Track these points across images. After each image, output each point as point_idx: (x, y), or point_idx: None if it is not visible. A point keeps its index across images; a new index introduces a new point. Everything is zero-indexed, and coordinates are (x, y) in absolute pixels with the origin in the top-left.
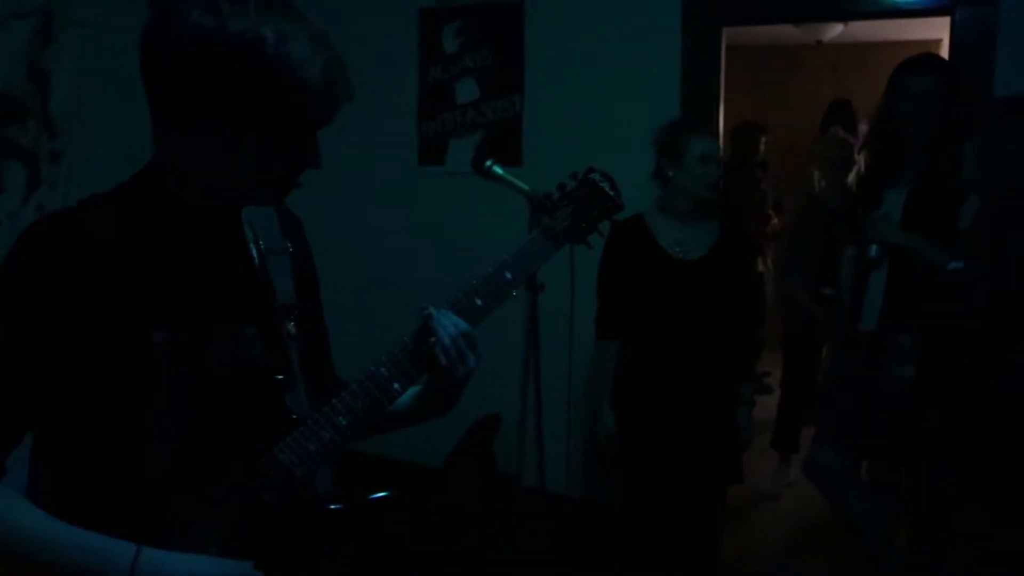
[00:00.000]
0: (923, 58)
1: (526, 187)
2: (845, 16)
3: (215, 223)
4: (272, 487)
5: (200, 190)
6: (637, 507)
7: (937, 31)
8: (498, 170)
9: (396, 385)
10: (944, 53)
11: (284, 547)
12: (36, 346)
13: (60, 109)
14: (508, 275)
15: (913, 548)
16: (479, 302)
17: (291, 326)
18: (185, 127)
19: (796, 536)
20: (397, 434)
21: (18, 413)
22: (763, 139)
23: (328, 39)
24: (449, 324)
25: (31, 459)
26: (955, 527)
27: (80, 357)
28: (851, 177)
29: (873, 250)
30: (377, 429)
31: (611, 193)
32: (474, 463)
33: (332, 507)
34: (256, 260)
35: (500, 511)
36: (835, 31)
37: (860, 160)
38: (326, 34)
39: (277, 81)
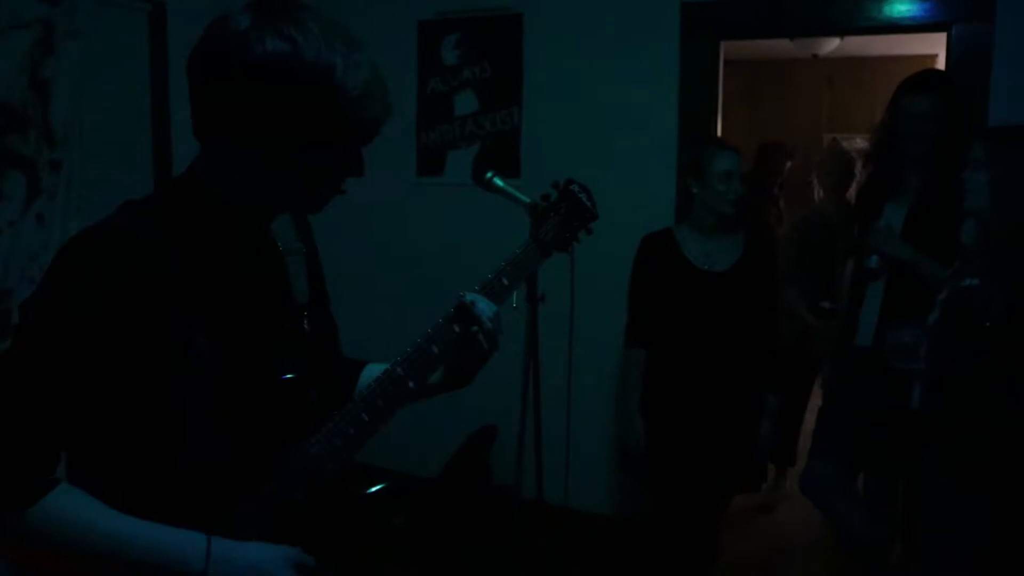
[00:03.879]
0: (924, 76)
1: (526, 199)
2: (842, 31)
3: (252, 230)
4: (304, 481)
5: (247, 203)
6: (661, 515)
7: (933, 46)
8: (499, 182)
9: (412, 384)
10: (940, 68)
11: (319, 537)
12: (91, 355)
13: (60, 119)
14: (505, 281)
15: (907, 562)
16: (457, 329)
17: (305, 324)
18: (244, 145)
19: (790, 549)
20: (394, 445)
21: (70, 418)
22: (789, 163)
23: (372, 61)
24: (487, 308)
25: (68, 464)
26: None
27: (129, 366)
28: (851, 190)
29: (873, 260)
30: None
31: (588, 204)
32: (471, 474)
33: (371, 490)
34: (280, 262)
35: (498, 522)
36: (831, 45)
37: (861, 173)
38: (371, 58)
39: (342, 105)
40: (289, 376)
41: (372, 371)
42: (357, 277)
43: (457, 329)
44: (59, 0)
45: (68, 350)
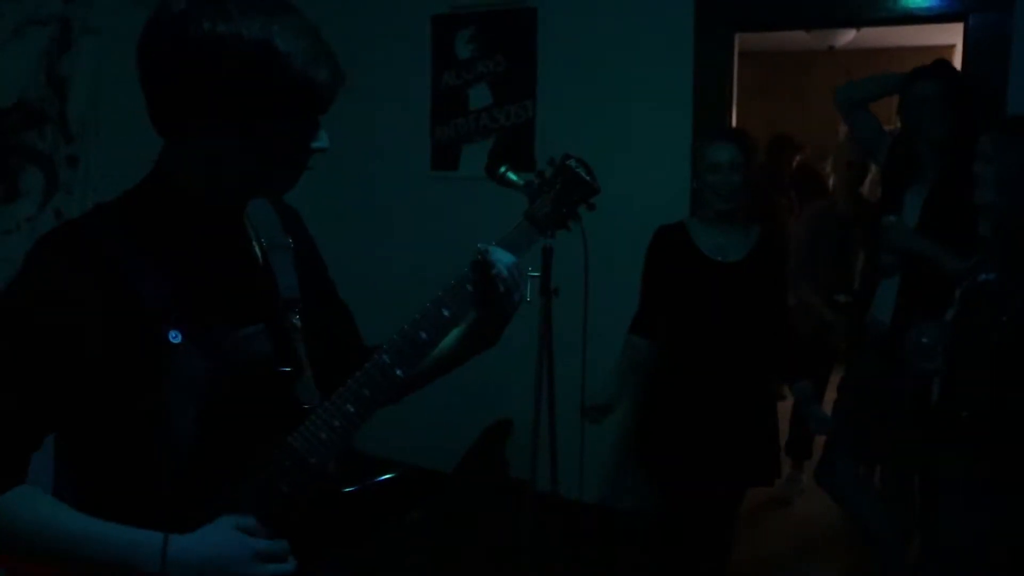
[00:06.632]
0: (926, 65)
1: None
2: (858, 22)
3: (221, 223)
4: (288, 475)
5: (212, 189)
6: (668, 508)
7: (950, 36)
8: (512, 176)
9: (399, 371)
10: (957, 59)
11: (302, 531)
12: (54, 355)
13: (77, 114)
14: None
15: (925, 556)
16: (470, 288)
17: (296, 319)
18: (196, 130)
19: (807, 543)
20: (409, 438)
21: (37, 419)
22: (797, 157)
23: (316, 29)
24: (503, 256)
25: (55, 462)
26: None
27: (98, 362)
28: (866, 183)
29: (887, 256)
30: (426, 378)
31: (587, 178)
32: (486, 468)
33: (347, 490)
34: (259, 257)
35: (513, 516)
36: (848, 37)
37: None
38: (313, 22)
39: (289, 79)
40: (270, 370)
41: None
42: (371, 271)
43: (470, 288)
44: None
45: (29, 350)
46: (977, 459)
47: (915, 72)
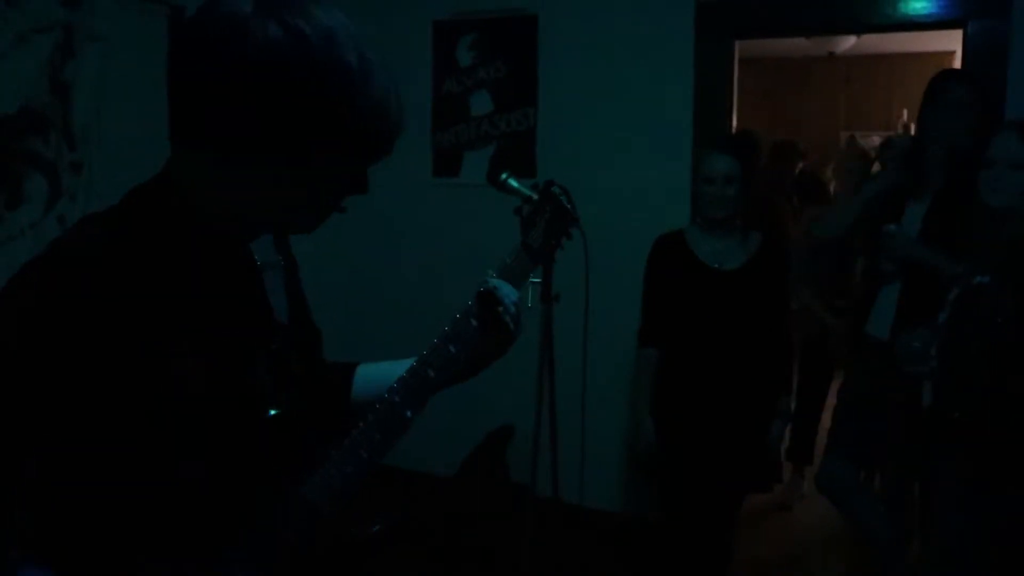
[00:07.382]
0: (956, 69)
1: None
2: (858, 29)
3: (232, 248)
4: (301, 528)
5: (229, 214)
6: (670, 513)
7: (950, 43)
8: (513, 183)
9: (408, 413)
10: (956, 65)
11: None
12: (42, 405)
13: (81, 121)
14: None
15: (925, 559)
16: (475, 323)
17: (289, 346)
18: (234, 154)
19: (808, 548)
20: (410, 443)
21: (25, 477)
22: (800, 164)
23: (388, 66)
24: (509, 291)
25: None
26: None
27: (102, 403)
28: None
29: (887, 263)
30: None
31: (569, 207)
32: (487, 473)
33: (374, 529)
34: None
35: (514, 521)
36: (848, 43)
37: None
38: (386, 61)
39: (354, 113)
40: (277, 411)
41: (365, 372)
42: (372, 278)
43: (475, 323)
44: (79, 4)
45: (16, 399)
46: (972, 460)
47: (945, 74)
